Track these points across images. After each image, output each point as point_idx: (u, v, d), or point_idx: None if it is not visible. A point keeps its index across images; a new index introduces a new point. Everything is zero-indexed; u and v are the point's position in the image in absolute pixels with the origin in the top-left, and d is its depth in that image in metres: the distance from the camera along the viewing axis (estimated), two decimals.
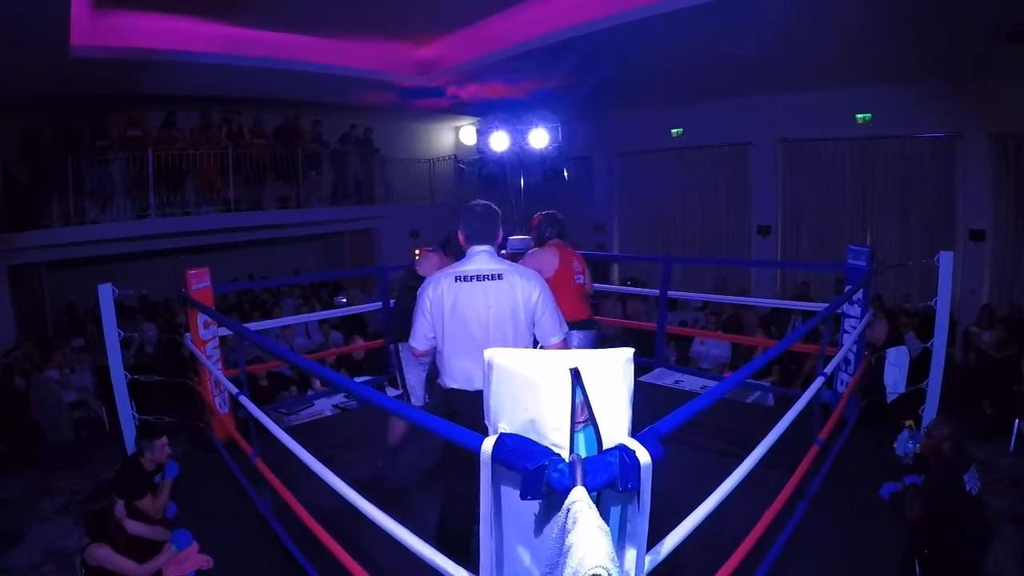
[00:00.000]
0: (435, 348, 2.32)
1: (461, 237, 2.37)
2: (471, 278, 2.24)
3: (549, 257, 3.41)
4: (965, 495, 2.49)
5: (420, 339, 2.32)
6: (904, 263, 7.28)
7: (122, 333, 3.72)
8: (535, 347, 2.34)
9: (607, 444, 1.12)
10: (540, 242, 3.58)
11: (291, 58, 7.24)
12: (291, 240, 10.34)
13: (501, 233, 2.41)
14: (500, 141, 7.42)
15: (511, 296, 2.24)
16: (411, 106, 9.86)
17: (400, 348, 3.34)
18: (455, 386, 2.28)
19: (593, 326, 3.60)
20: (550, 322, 2.30)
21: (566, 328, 2.39)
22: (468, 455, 1.23)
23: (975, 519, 2.54)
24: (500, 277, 2.25)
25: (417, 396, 3.35)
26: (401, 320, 3.25)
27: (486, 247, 2.32)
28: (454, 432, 1.34)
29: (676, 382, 4.90)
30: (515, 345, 2.23)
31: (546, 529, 1.14)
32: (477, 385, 2.09)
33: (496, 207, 2.39)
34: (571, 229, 4.20)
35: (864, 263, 3.89)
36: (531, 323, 2.28)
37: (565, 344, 2.38)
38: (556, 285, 3.12)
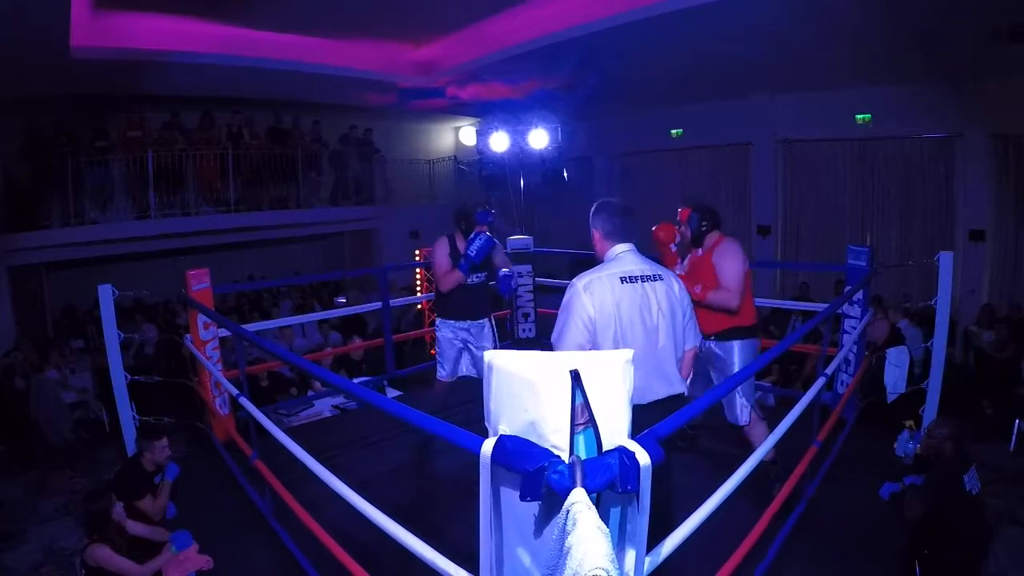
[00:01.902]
0: None
1: (597, 236, 2.16)
2: (636, 279, 2.02)
3: (741, 251, 2.92)
4: (965, 495, 2.49)
5: (574, 349, 1.98)
6: (904, 263, 7.28)
7: (122, 334, 3.72)
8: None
9: (607, 446, 1.12)
10: (697, 238, 3.03)
11: (291, 59, 7.25)
12: (291, 241, 10.34)
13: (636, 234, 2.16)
14: (500, 142, 7.43)
15: (672, 297, 2.07)
16: (411, 107, 9.87)
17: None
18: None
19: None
20: (693, 327, 2.15)
21: (700, 335, 2.25)
22: None
23: (975, 520, 2.54)
24: (660, 278, 2.06)
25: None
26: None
27: (630, 245, 2.11)
28: (453, 433, 1.34)
29: None
30: (678, 351, 2.09)
31: (546, 530, 1.14)
32: (650, 397, 1.97)
33: (628, 203, 2.18)
34: (571, 229, 4.18)
35: (864, 263, 3.89)
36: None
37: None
38: (747, 281, 2.89)
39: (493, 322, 3.64)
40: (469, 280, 3.43)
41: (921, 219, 7.55)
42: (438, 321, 3.57)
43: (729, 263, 2.87)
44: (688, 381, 2.16)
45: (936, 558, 2.46)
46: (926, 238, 7.44)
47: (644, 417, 1.71)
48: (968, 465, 2.54)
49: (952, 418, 2.76)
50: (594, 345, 1.99)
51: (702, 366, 3.01)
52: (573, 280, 2.04)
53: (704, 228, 3.00)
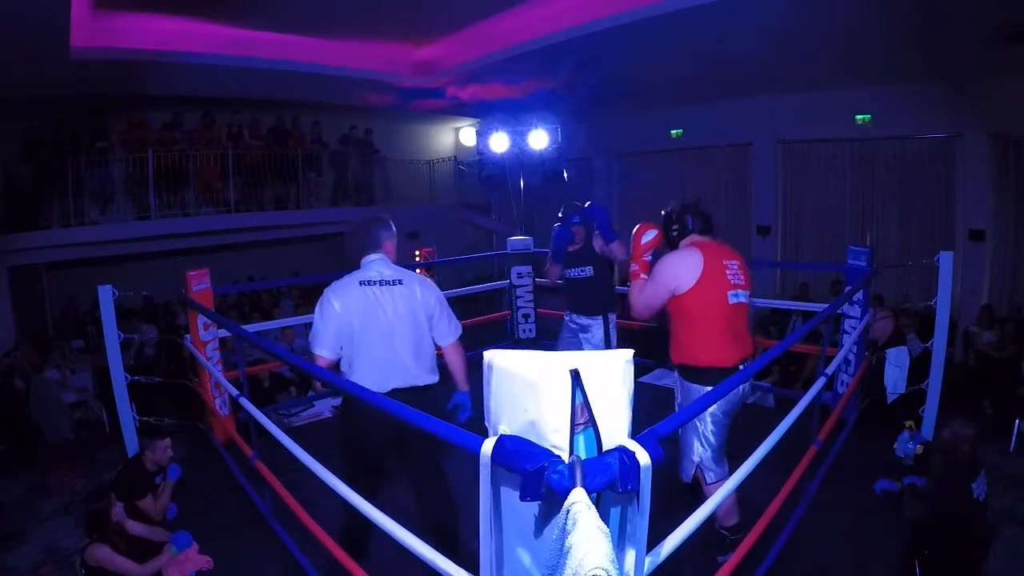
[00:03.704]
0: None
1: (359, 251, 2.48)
2: (374, 283, 2.35)
3: (680, 262, 2.41)
4: (971, 501, 2.47)
5: (331, 347, 2.31)
6: (904, 263, 7.29)
7: (122, 335, 3.72)
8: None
9: (607, 445, 1.12)
10: (672, 244, 2.59)
11: (291, 59, 7.24)
12: (291, 241, 10.33)
13: (391, 244, 2.48)
14: (500, 142, 7.45)
15: (413, 300, 2.37)
16: (411, 107, 9.86)
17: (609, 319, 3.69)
18: None
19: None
20: (446, 325, 2.46)
21: (460, 329, 2.51)
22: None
23: (977, 522, 2.53)
24: (400, 282, 2.38)
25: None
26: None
27: (378, 255, 2.44)
28: (453, 433, 1.34)
29: None
30: (417, 347, 2.37)
31: (546, 530, 1.14)
32: (387, 387, 2.28)
33: (384, 217, 2.51)
34: None
35: (864, 263, 3.89)
36: (430, 326, 2.43)
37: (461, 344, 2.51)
38: (692, 306, 2.37)
39: (609, 323, 3.65)
40: (569, 274, 3.71)
41: (921, 219, 7.56)
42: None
43: (654, 272, 2.48)
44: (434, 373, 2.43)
45: (936, 558, 2.46)
46: (926, 238, 7.44)
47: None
48: (978, 471, 2.52)
49: (974, 423, 2.68)
50: (343, 343, 2.31)
51: None
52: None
53: (675, 233, 2.57)
